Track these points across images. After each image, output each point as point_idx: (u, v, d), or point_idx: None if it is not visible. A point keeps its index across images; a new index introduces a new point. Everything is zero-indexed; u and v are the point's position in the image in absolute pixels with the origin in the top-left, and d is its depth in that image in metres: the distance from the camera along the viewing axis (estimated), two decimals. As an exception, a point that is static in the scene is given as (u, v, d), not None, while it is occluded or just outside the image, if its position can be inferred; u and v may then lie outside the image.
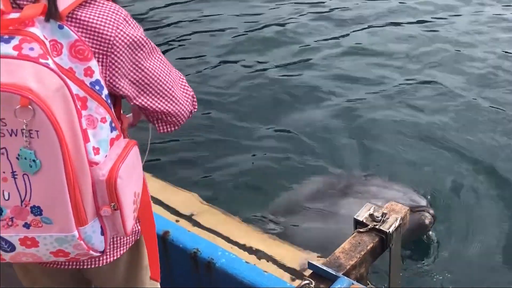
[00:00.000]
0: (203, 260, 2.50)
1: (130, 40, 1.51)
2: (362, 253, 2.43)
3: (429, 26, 7.18)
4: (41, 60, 1.32)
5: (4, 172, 1.36)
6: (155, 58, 1.59)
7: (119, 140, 1.53)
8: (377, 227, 2.48)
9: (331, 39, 6.94)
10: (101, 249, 1.49)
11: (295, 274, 2.48)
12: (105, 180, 1.43)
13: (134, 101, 1.59)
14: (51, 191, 1.36)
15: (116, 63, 1.50)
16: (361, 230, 2.51)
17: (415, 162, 4.70)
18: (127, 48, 1.50)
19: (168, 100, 1.63)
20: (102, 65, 1.48)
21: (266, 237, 2.68)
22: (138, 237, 1.76)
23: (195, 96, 1.77)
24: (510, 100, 5.47)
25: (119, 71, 1.51)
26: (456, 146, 4.85)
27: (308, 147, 4.90)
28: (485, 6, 7.62)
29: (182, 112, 1.68)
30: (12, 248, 1.43)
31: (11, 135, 1.32)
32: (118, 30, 1.48)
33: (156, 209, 2.65)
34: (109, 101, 1.49)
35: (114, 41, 1.48)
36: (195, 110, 1.78)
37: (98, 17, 1.47)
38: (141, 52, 1.54)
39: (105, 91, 1.48)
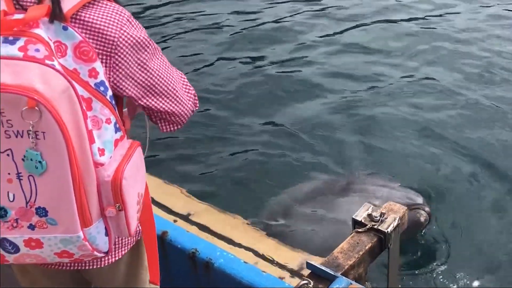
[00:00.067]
0: (202, 260, 2.52)
1: (134, 41, 1.53)
2: (361, 253, 2.46)
3: (427, 23, 7.25)
4: (47, 62, 1.34)
5: (9, 174, 1.38)
6: (158, 59, 1.62)
7: (123, 141, 1.55)
8: (375, 227, 2.52)
9: (328, 36, 7.00)
10: (105, 250, 1.52)
11: (294, 274, 2.52)
12: (110, 181, 1.45)
13: (139, 102, 1.62)
14: (57, 192, 1.38)
15: (120, 64, 1.52)
16: (359, 230, 2.54)
17: (412, 160, 4.75)
18: (131, 49, 1.53)
19: (172, 100, 1.67)
20: (106, 66, 1.50)
21: (264, 237, 2.71)
22: (138, 238, 1.79)
23: (196, 94, 1.81)
24: (507, 96, 5.55)
25: (123, 72, 1.54)
26: (454, 144, 4.91)
27: (306, 145, 4.95)
28: (483, 3, 7.67)
29: (185, 112, 1.72)
30: (16, 249, 1.45)
31: (17, 136, 1.34)
32: (122, 31, 1.51)
33: (154, 209, 2.67)
34: (113, 102, 1.51)
35: (118, 42, 1.50)
36: (197, 108, 1.82)
37: (102, 18, 1.49)
38: (145, 52, 1.57)
39: (110, 92, 1.50)
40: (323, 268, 2.37)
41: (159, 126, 1.74)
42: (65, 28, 1.43)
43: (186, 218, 2.75)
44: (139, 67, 1.56)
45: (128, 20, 1.54)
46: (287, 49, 6.71)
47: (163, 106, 1.65)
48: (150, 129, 1.81)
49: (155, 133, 1.87)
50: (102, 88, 1.47)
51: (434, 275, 3.52)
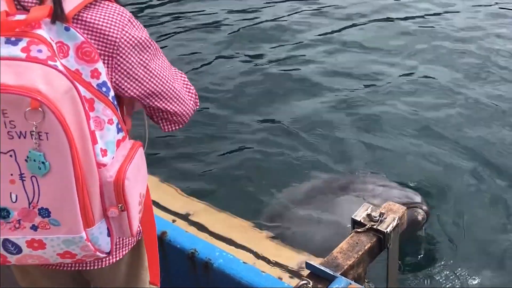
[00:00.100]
0: (201, 260, 2.54)
1: (135, 41, 1.54)
2: (360, 253, 2.48)
3: (425, 22, 7.30)
4: (50, 62, 1.35)
5: (12, 175, 1.38)
6: (159, 59, 1.64)
7: (125, 142, 1.56)
8: (374, 227, 2.53)
9: (326, 35, 7.04)
10: (107, 250, 1.53)
11: (293, 274, 2.53)
12: (113, 182, 1.46)
13: (142, 102, 1.63)
14: (60, 193, 1.39)
15: (121, 65, 1.54)
16: (358, 230, 2.55)
17: (411, 158, 4.79)
18: (132, 50, 1.54)
19: (174, 100, 1.69)
20: (108, 67, 1.51)
21: (264, 237, 2.73)
22: (139, 238, 1.80)
23: (197, 93, 1.83)
24: (505, 95, 5.59)
25: (125, 73, 1.55)
26: (453, 142, 4.96)
27: (305, 143, 4.97)
28: (481, 2, 7.71)
29: (187, 111, 1.74)
30: (18, 250, 1.46)
31: (19, 137, 1.35)
32: (124, 32, 1.52)
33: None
34: (115, 102, 1.52)
35: (120, 43, 1.52)
36: (197, 107, 1.84)
37: (104, 19, 1.50)
38: (146, 53, 1.58)
39: (112, 93, 1.51)
40: (323, 268, 2.38)
41: (160, 126, 1.75)
42: (67, 29, 1.44)
43: (185, 218, 2.76)
44: (141, 67, 1.57)
45: (129, 20, 1.55)
46: (285, 48, 6.74)
47: (165, 106, 1.67)
48: (148, 127, 1.82)
49: (153, 132, 1.88)
50: (104, 89, 1.49)
51: (434, 275, 3.55)
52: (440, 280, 3.51)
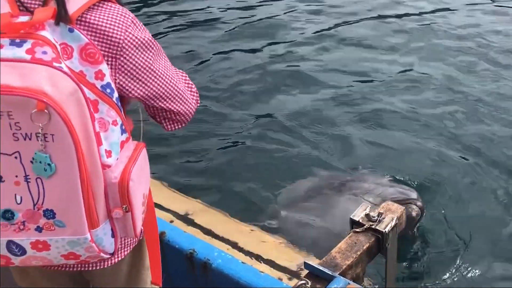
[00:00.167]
0: (199, 260, 2.57)
1: (139, 42, 1.57)
2: (358, 253, 2.51)
3: (423, 20, 7.39)
4: (55, 64, 1.37)
5: (16, 176, 1.40)
6: (162, 59, 1.66)
7: (128, 143, 1.59)
8: (373, 227, 2.56)
9: (324, 32, 7.11)
10: (111, 251, 1.55)
11: (291, 274, 2.56)
12: (117, 183, 1.48)
13: (146, 102, 1.66)
14: (65, 195, 1.41)
15: (125, 66, 1.56)
16: (357, 230, 2.58)
17: (408, 154, 4.85)
18: (136, 51, 1.56)
19: (177, 99, 1.72)
20: (111, 68, 1.53)
21: (262, 237, 2.75)
22: (140, 238, 1.83)
23: (197, 92, 1.86)
24: (502, 91, 5.67)
25: (129, 73, 1.57)
26: (450, 138, 5.03)
27: (303, 142, 5.02)
28: (478, 0, 7.76)
29: (190, 110, 1.78)
30: (22, 252, 1.48)
31: (25, 139, 1.36)
32: (127, 33, 1.54)
33: (151, 209, 2.71)
34: (119, 104, 1.54)
35: (123, 44, 1.54)
36: (198, 105, 1.86)
37: (107, 20, 1.52)
38: (150, 53, 1.60)
39: (116, 94, 1.53)
40: (321, 268, 2.41)
41: (164, 125, 1.78)
42: (71, 30, 1.46)
43: (183, 218, 2.78)
44: (145, 68, 1.60)
45: (132, 21, 1.57)
46: (282, 45, 6.81)
47: (169, 106, 1.70)
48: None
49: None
50: (108, 90, 1.51)
51: (432, 274, 3.58)
52: (440, 279, 3.54)
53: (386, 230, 2.54)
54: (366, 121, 5.31)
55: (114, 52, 1.53)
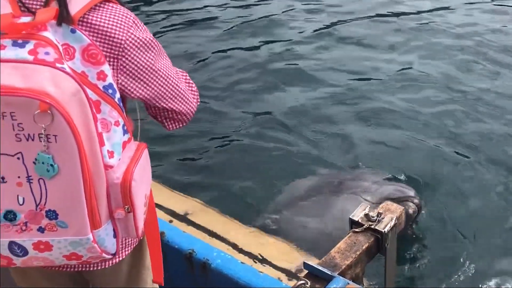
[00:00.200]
0: (199, 261, 2.58)
1: (141, 43, 1.58)
2: (358, 253, 2.53)
3: (421, 19, 7.43)
4: (57, 65, 1.37)
5: (19, 177, 1.41)
6: (163, 59, 1.68)
7: (130, 143, 1.60)
8: (372, 227, 2.58)
9: (322, 30, 7.16)
10: (113, 252, 1.56)
11: (291, 274, 2.58)
12: (119, 183, 1.49)
13: (148, 102, 1.67)
14: (68, 195, 1.42)
15: (127, 66, 1.57)
16: (356, 230, 2.60)
17: (407, 152, 4.89)
18: (138, 51, 1.58)
19: (180, 99, 1.74)
20: (113, 69, 1.55)
21: (261, 237, 2.77)
22: (141, 237, 1.83)
23: (197, 90, 1.87)
24: (500, 90, 5.71)
25: (131, 74, 1.59)
26: (447, 135, 5.07)
27: (301, 139, 5.06)
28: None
29: (191, 109, 1.80)
30: (24, 252, 1.48)
31: (27, 140, 1.37)
32: (129, 34, 1.56)
33: (150, 209, 2.72)
34: (121, 104, 1.55)
35: (125, 45, 1.55)
36: (198, 103, 1.88)
37: (109, 20, 1.53)
38: (152, 54, 1.62)
39: (118, 95, 1.54)
40: (320, 268, 2.42)
41: (165, 125, 1.80)
42: (73, 31, 1.46)
43: (182, 218, 2.80)
44: (147, 68, 1.61)
45: (134, 22, 1.58)
46: (280, 44, 6.85)
47: (172, 106, 1.72)
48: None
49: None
50: (110, 91, 1.51)
51: (432, 273, 3.60)
52: (440, 278, 3.56)
53: (386, 230, 2.55)
54: (365, 119, 5.35)
55: (116, 52, 1.54)
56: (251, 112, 5.50)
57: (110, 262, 1.74)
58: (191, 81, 1.85)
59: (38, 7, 1.49)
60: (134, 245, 1.81)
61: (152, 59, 1.62)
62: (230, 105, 5.64)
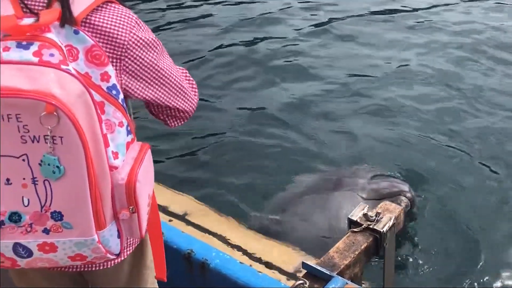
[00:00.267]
0: (197, 261, 2.61)
1: (143, 43, 1.60)
2: (356, 252, 2.56)
3: (420, 16, 7.50)
4: (62, 66, 1.39)
5: (24, 179, 1.42)
6: (165, 58, 1.70)
7: (133, 144, 1.62)
8: (371, 226, 2.61)
9: (319, 28, 7.21)
10: (117, 252, 1.58)
11: (289, 274, 2.61)
12: (124, 184, 1.51)
13: (152, 101, 1.69)
14: (73, 196, 1.44)
15: (130, 67, 1.59)
16: (355, 229, 2.63)
17: (403, 148, 4.94)
18: (140, 51, 1.60)
19: (182, 97, 1.77)
20: (116, 69, 1.57)
21: (260, 237, 2.80)
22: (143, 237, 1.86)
23: (197, 88, 1.90)
24: (498, 88, 5.75)
25: (134, 74, 1.61)
26: (444, 133, 5.12)
27: (299, 137, 5.10)
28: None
29: (193, 107, 1.83)
30: (29, 254, 1.50)
31: (33, 142, 1.38)
32: (132, 34, 1.58)
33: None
34: (125, 105, 1.58)
35: (128, 45, 1.57)
36: (198, 100, 1.91)
37: (112, 21, 1.55)
38: (154, 53, 1.64)
39: (121, 96, 1.57)
40: (319, 268, 2.45)
41: (167, 122, 1.83)
42: (76, 32, 1.48)
43: (181, 218, 2.82)
44: (150, 68, 1.64)
45: (136, 22, 1.61)
46: (279, 41, 6.89)
47: (174, 104, 1.75)
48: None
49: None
50: (114, 92, 1.53)
51: (432, 273, 3.62)
52: (439, 278, 3.59)
53: (384, 229, 2.59)
54: (362, 116, 5.41)
55: (119, 53, 1.56)
56: (248, 109, 5.55)
57: (113, 262, 1.76)
58: (191, 78, 1.88)
59: (40, 8, 1.51)
60: (136, 244, 1.83)
61: (155, 59, 1.64)
62: (228, 102, 5.68)
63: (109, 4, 1.58)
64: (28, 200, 1.44)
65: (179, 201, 2.95)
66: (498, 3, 7.80)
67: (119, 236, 1.57)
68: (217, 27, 7.30)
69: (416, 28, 7.15)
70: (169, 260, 2.63)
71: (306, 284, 2.42)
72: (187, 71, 1.88)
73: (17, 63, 1.37)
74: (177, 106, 1.76)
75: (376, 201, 3.67)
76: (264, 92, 5.83)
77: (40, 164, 1.40)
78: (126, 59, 1.58)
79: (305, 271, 2.49)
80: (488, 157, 4.73)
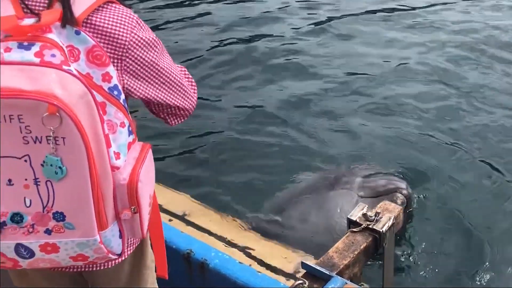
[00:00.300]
0: (197, 261, 2.62)
1: (144, 43, 1.61)
2: (356, 252, 2.58)
3: (420, 14, 7.53)
4: (64, 67, 1.39)
5: (26, 179, 1.42)
6: (165, 56, 1.72)
7: (135, 144, 1.63)
8: (370, 226, 2.63)
9: (318, 26, 7.23)
10: (118, 252, 1.59)
11: (289, 274, 2.62)
12: (126, 184, 1.52)
13: (153, 100, 1.70)
14: (75, 197, 1.44)
15: (131, 67, 1.60)
16: (354, 229, 2.66)
17: (401, 146, 4.95)
18: (142, 51, 1.61)
19: (182, 96, 1.78)
20: (117, 69, 1.57)
21: (259, 237, 2.81)
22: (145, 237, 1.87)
23: (196, 85, 1.91)
24: (497, 86, 5.78)
25: (135, 74, 1.62)
26: (443, 131, 5.13)
27: (297, 136, 5.10)
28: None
29: (193, 104, 1.84)
30: (31, 254, 1.50)
31: (35, 142, 1.39)
32: (133, 34, 1.59)
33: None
34: (126, 105, 1.58)
35: (129, 46, 1.58)
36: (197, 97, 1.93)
37: (113, 22, 1.55)
38: (155, 52, 1.65)
39: (123, 96, 1.57)
40: (318, 268, 2.48)
41: (168, 121, 1.84)
42: (77, 33, 1.49)
43: (181, 218, 2.83)
44: (150, 67, 1.65)
45: (137, 22, 1.61)
46: (277, 40, 6.92)
47: (175, 102, 1.76)
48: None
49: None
50: (115, 92, 1.54)
51: (431, 272, 3.63)
52: (439, 277, 3.60)
53: (383, 229, 2.61)
54: (361, 114, 5.43)
55: (120, 53, 1.57)
56: (247, 108, 5.56)
57: (113, 262, 1.77)
58: (190, 76, 1.88)
59: (41, 8, 1.51)
60: (136, 244, 1.83)
61: (155, 58, 1.66)
62: (227, 100, 5.69)
63: (110, 4, 1.59)
64: (30, 200, 1.45)
65: (178, 201, 2.96)
66: (497, 2, 7.82)
67: (121, 236, 1.58)
68: (215, 25, 7.32)
69: (415, 27, 7.17)
70: (168, 260, 2.64)
71: (305, 284, 2.44)
72: (186, 69, 1.89)
73: (19, 64, 1.38)
74: (178, 104, 1.77)
75: (373, 199, 3.71)
76: (263, 90, 5.84)
77: (42, 165, 1.40)
78: (127, 59, 1.59)
79: (305, 271, 2.51)
80: (487, 155, 4.75)
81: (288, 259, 2.68)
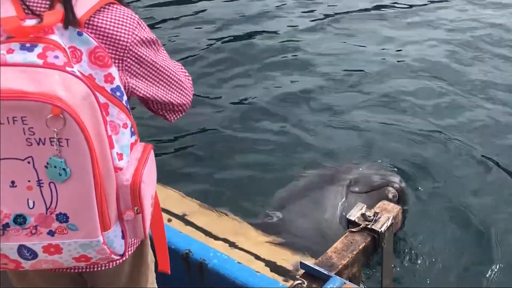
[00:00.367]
0: (195, 261, 2.64)
1: (145, 43, 1.64)
2: (354, 252, 2.60)
3: (419, 12, 7.57)
4: (67, 68, 1.40)
5: (29, 181, 1.44)
6: (163, 54, 1.74)
7: (137, 145, 1.65)
8: (369, 226, 2.65)
9: (316, 22, 7.26)
10: (121, 253, 1.61)
11: (288, 274, 2.66)
12: (129, 185, 1.54)
13: (153, 99, 1.72)
14: (79, 198, 1.46)
15: (132, 67, 1.62)
16: (353, 229, 2.68)
17: (398, 142, 4.98)
18: (142, 51, 1.63)
19: (181, 92, 1.80)
20: (119, 70, 1.59)
21: (258, 237, 2.83)
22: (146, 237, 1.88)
23: (192, 81, 1.94)
24: (496, 82, 5.83)
25: (136, 74, 1.64)
26: (440, 125, 5.18)
27: (296, 135, 5.12)
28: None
29: (190, 100, 1.86)
30: (34, 256, 1.51)
31: (38, 144, 1.40)
32: (134, 35, 1.60)
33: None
34: (128, 106, 1.60)
35: (130, 46, 1.60)
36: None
37: (114, 23, 1.57)
38: (154, 52, 1.68)
39: (125, 97, 1.59)
40: (317, 268, 2.49)
41: (167, 117, 1.85)
42: (79, 34, 1.50)
43: (180, 218, 2.85)
44: (151, 67, 1.67)
45: (138, 23, 1.63)
46: (275, 37, 6.95)
47: (175, 100, 1.79)
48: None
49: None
50: (118, 93, 1.56)
51: (431, 272, 3.64)
52: (438, 276, 3.62)
53: (382, 229, 2.63)
54: (359, 111, 5.46)
55: (121, 54, 1.59)
56: (245, 105, 5.58)
57: (116, 262, 1.79)
58: (186, 73, 1.91)
59: (42, 9, 1.52)
60: (137, 245, 1.85)
61: (155, 58, 1.68)
62: (224, 98, 5.71)
63: (111, 5, 1.60)
64: (33, 202, 1.46)
65: (178, 202, 2.98)
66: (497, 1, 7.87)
67: (123, 236, 1.60)
68: (213, 23, 7.33)
69: (413, 24, 7.20)
70: (167, 260, 2.68)
71: (304, 284, 2.46)
72: (182, 66, 1.91)
73: (21, 65, 1.39)
74: (178, 102, 1.80)
75: (367, 193, 3.72)
76: (260, 88, 5.87)
77: (46, 167, 1.42)
78: (128, 60, 1.61)
79: (303, 271, 2.52)
80: (486, 151, 4.79)
81: (287, 259, 2.71)
